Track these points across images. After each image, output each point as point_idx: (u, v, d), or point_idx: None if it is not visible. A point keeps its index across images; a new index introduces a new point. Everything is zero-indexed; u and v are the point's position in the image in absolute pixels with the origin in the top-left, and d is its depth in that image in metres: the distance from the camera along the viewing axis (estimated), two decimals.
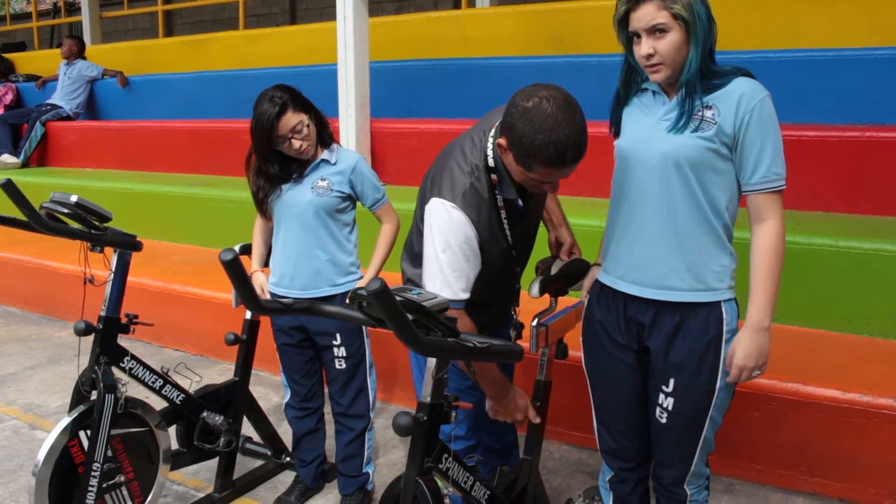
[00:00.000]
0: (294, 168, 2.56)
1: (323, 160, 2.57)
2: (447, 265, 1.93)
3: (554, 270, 2.25)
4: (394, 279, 1.59)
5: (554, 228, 2.37)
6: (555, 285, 2.25)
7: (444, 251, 1.93)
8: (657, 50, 1.76)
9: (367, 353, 2.72)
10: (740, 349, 1.85)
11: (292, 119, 2.43)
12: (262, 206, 2.61)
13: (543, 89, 1.79)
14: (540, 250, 2.34)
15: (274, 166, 2.52)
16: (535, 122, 1.75)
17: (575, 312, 2.33)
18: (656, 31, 1.75)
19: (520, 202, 2.05)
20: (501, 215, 2.03)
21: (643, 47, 1.78)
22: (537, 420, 2.23)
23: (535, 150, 1.77)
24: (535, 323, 2.15)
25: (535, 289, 2.19)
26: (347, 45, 4.94)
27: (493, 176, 1.99)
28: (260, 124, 2.42)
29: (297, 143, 2.46)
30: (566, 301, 2.38)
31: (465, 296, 1.97)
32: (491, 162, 1.98)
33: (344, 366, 2.66)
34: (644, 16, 1.76)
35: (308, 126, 2.48)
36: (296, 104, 2.45)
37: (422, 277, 2.02)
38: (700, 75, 1.78)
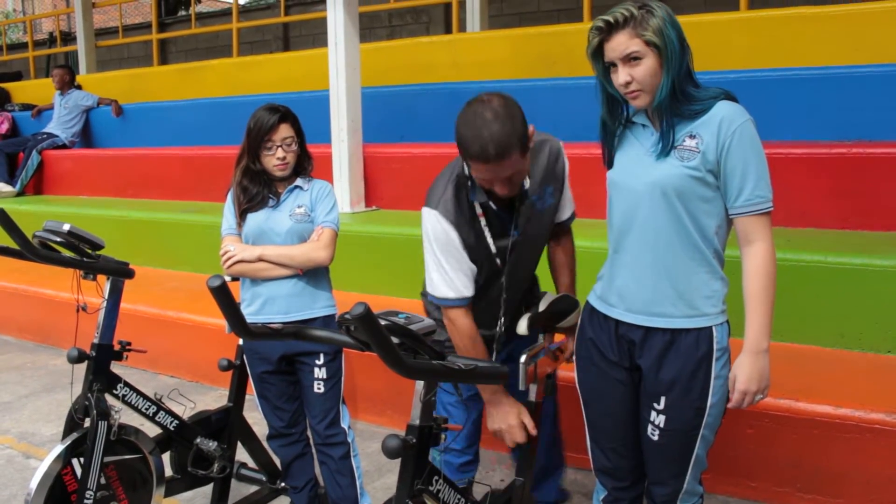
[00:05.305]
0: (273, 190, 2.61)
1: (297, 186, 2.64)
2: (446, 264, 2.10)
3: (542, 307, 2.26)
4: (403, 305, 1.61)
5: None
6: (542, 322, 2.27)
7: (440, 253, 2.10)
8: (634, 77, 1.79)
9: (343, 377, 2.72)
10: (741, 374, 1.85)
11: (287, 130, 2.56)
12: (242, 208, 2.60)
13: (487, 95, 1.98)
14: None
15: (257, 165, 2.58)
16: (468, 119, 1.94)
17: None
18: (631, 59, 1.78)
19: (492, 205, 2.12)
20: (481, 222, 2.13)
21: (620, 76, 1.80)
22: (532, 428, 2.22)
23: (464, 144, 1.95)
24: (523, 360, 2.16)
25: (523, 325, 2.20)
26: (339, 70, 4.99)
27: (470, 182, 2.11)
28: (259, 124, 2.55)
29: (281, 153, 2.55)
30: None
31: (469, 293, 2.11)
32: (466, 169, 2.09)
33: (322, 389, 2.65)
34: (618, 45, 1.78)
35: (294, 145, 2.58)
36: (293, 121, 2.60)
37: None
38: (679, 98, 1.80)
